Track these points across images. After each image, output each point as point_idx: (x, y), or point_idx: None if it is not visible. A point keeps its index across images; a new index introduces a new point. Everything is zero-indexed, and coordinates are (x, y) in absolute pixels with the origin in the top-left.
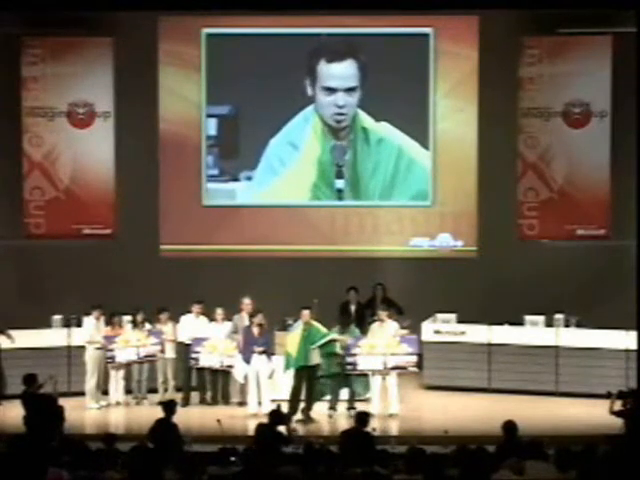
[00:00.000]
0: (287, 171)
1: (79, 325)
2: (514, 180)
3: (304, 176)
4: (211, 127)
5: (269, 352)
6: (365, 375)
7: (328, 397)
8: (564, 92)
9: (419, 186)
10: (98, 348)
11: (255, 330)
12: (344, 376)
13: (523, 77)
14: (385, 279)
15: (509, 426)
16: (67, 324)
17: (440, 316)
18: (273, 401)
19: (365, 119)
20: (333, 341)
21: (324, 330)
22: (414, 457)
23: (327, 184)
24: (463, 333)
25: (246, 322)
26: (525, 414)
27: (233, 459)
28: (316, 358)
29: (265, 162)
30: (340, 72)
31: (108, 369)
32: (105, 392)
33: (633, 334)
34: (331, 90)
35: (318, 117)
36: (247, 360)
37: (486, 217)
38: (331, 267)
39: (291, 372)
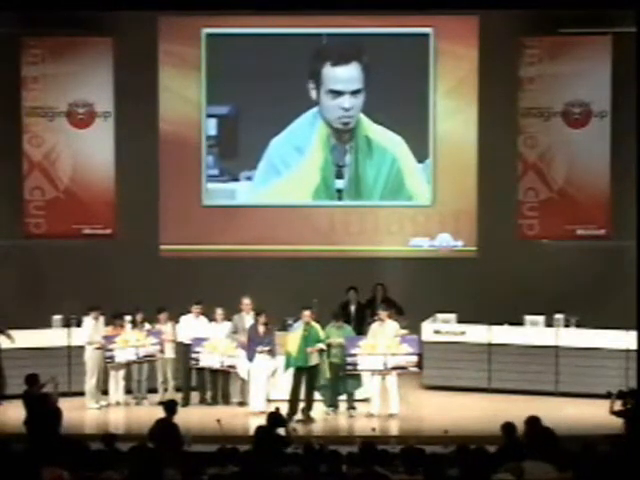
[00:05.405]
0: (290, 173)
1: (79, 325)
2: (514, 180)
3: (308, 179)
4: (211, 127)
5: (273, 351)
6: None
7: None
8: (564, 92)
9: (419, 187)
10: (98, 348)
11: (260, 329)
12: (337, 375)
13: (523, 77)
14: (385, 279)
15: (508, 427)
16: (67, 324)
17: (440, 316)
18: (272, 401)
19: (368, 126)
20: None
21: (322, 334)
22: (414, 457)
23: (327, 184)
24: (463, 333)
25: (246, 322)
26: (525, 414)
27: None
28: (316, 358)
29: (267, 163)
30: (346, 75)
31: (108, 369)
32: (105, 392)
33: (633, 334)
34: (337, 93)
35: (323, 121)
36: (251, 358)
37: (486, 217)
38: (331, 267)
39: (291, 372)
